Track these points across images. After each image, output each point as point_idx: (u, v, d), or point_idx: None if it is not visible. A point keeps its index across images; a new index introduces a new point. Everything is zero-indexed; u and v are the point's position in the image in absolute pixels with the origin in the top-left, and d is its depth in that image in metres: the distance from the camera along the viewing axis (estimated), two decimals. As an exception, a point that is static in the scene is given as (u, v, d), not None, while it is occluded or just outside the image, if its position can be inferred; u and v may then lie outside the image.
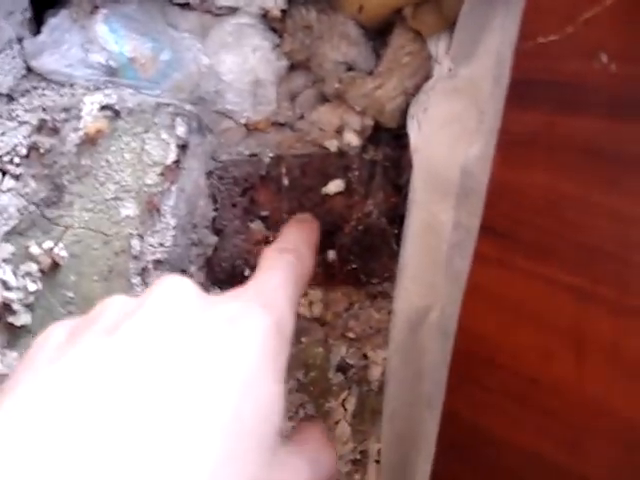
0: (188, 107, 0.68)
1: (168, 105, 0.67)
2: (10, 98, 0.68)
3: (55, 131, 0.64)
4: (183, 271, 0.72)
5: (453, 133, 0.73)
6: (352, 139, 0.75)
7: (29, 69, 0.69)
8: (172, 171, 0.68)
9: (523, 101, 0.60)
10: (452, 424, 0.75)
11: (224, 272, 0.74)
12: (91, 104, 0.64)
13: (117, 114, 0.65)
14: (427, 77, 0.71)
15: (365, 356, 0.79)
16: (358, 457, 0.82)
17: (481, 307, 0.71)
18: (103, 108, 0.64)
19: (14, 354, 0.68)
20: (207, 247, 0.73)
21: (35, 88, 0.69)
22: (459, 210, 0.74)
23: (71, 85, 0.70)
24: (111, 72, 0.71)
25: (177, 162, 0.68)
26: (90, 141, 0.64)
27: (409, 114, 0.75)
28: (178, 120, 0.67)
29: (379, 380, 0.80)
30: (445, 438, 0.75)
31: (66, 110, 0.64)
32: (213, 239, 0.73)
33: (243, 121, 0.75)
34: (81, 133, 0.64)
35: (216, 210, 0.73)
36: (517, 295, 0.68)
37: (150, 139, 0.67)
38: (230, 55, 0.75)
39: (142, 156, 0.67)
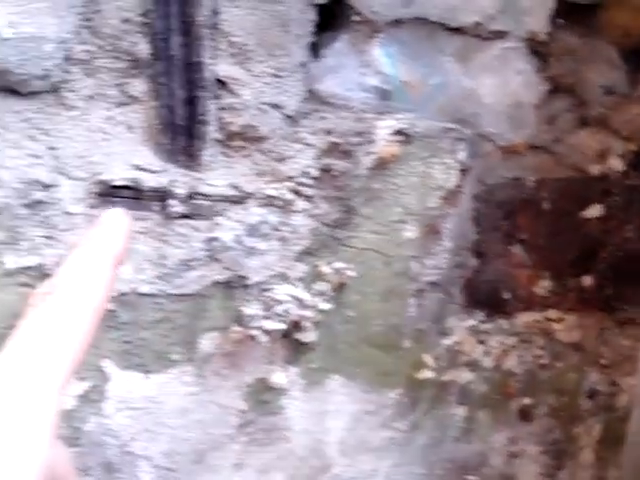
0: (467, 132, 0.68)
1: (452, 130, 0.67)
2: (293, 120, 0.70)
3: (347, 154, 0.65)
4: (448, 293, 0.72)
5: None
6: (615, 164, 0.74)
7: (310, 92, 0.70)
8: (453, 195, 0.68)
9: None
10: None
11: (483, 294, 0.74)
12: (384, 128, 0.65)
13: (408, 138, 0.65)
14: None
15: (614, 383, 0.78)
16: (598, 484, 0.81)
17: None
18: (395, 133, 0.65)
19: (295, 369, 0.69)
20: (468, 270, 0.73)
21: (316, 111, 0.71)
22: None
23: (348, 108, 0.71)
24: (384, 95, 0.72)
25: (458, 186, 0.68)
26: (382, 165, 0.65)
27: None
28: (460, 145, 0.68)
29: (626, 407, 0.79)
30: None
31: (359, 134, 0.65)
32: (474, 261, 0.73)
33: (502, 143, 0.75)
34: (374, 157, 0.65)
35: (478, 233, 0.73)
36: None
37: (435, 163, 0.67)
38: (492, 78, 0.76)
39: (427, 180, 0.67)
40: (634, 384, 0.79)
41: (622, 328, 0.79)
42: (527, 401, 0.77)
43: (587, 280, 0.77)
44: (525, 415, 0.77)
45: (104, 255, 0.56)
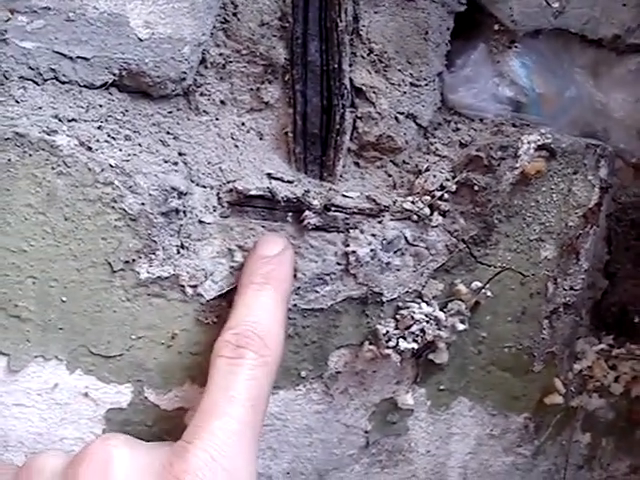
0: (610, 148, 0.65)
1: (596, 146, 0.65)
2: (426, 131, 0.67)
3: (489, 169, 0.62)
4: (579, 315, 0.69)
5: None
6: None
7: (442, 102, 0.68)
8: (593, 214, 0.65)
9: None
10: None
11: (612, 317, 0.72)
12: (528, 143, 0.62)
13: (552, 154, 0.63)
14: None
15: None
16: None
17: None
18: (539, 148, 0.62)
19: (422, 390, 0.66)
20: (598, 291, 0.70)
21: (447, 122, 0.68)
22: None
23: (481, 120, 0.68)
24: (518, 107, 0.70)
25: (599, 204, 0.65)
26: (524, 181, 0.62)
27: None
28: (602, 162, 0.65)
29: None
30: None
31: (503, 148, 0.62)
32: (604, 283, 0.70)
33: (633, 161, 0.72)
34: (517, 172, 0.62)
35: (609, 253, 0.70)
36: None
37: (577, 180, 0.65)
38: (624, 93, 0.73)
39: (568, 197, 0.64)
40: None
41: None
42: (653, 428, 0.74)
43: None
44: (650, 443, 0.74)
45: (282, 298, 0.57)
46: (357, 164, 0.65)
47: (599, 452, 0.73)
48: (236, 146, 0.64)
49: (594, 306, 0.71)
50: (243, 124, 0.64)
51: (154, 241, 0.59)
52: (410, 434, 0.67)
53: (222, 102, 0.64)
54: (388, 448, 0.67)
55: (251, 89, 0.64)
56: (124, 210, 0.58)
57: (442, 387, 0.67)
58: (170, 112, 0.63)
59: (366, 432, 0.66)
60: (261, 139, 0.65)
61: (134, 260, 0.58)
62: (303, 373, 0.64)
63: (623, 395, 0.72)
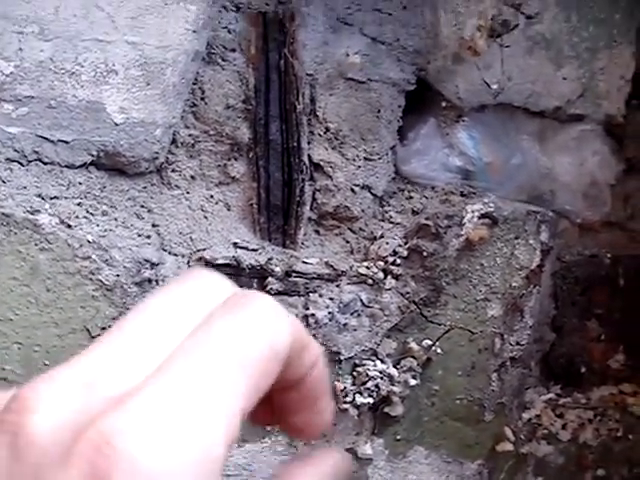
0: (550, 213, 0.71)
1: (536, 212, 0.70)
2: (381, 200, 0.73)
3: (437, 236, 0.68)
4: (527, 367, 0.74)
5: None
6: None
7: (396, 173, 0.74)
8: (536, 274, 0.71)
9: None
10: None
11: (560, 368, 0.77)
12: (472, 212, 0.68)
13: (495, 222, 0.68)
14: None
15: (685, 455, 0.80)
16: None
17: None
18: (483, 216, 0.68)
19: (380, 440, 0.71)
20: (546, 344, 0.76)
21: (401, 190, 0.74)
22: None
23: (432, 188, 0.74)
24: (467, 175, 0.76)
25: (540, 266, 0.71)
26: (469, 247, 0.68)
27: None
28: (543, 226, 0.70)
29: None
30: None
31: (448, 217, 0.68)
32: (552, 336, 0.76)
33: (578, 221, 0.78)
34: (462, 239, 0.68)
35: (556, 308, 0.76)
36: None
37: (519, 245, 0.70)
38: (568, 158, 0.79)
39: (511, 260, 0.70)
40: None
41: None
42: (601, 472, 0.79)
43: (666, 355, 0.79)
44: (599, 486, 0.79)
45: None
46: (317, 232, 0.71)
47: (551, 496, 0.78)
48: (205, 217, 0.70)
49: (543, 358, 0.76)
50: (212, 197, 0.71)
51: (128, 308, 0.65)
52: (370, 482, 0.73)
53: (192, 177, 0.70)
54: (350, 495, 0.72)
55: (219, 165, 0.70)
56: (101, 281, 0.64)
57: (399, 437, 0.72)
58: (144, 187, 0.69)
59: (329, 480, 0.71)
60: (229, 210, 0.71)
61: (110, 326, 0.64)
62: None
63: (571, 441, 0.77)
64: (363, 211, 0.71)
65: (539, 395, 0.75)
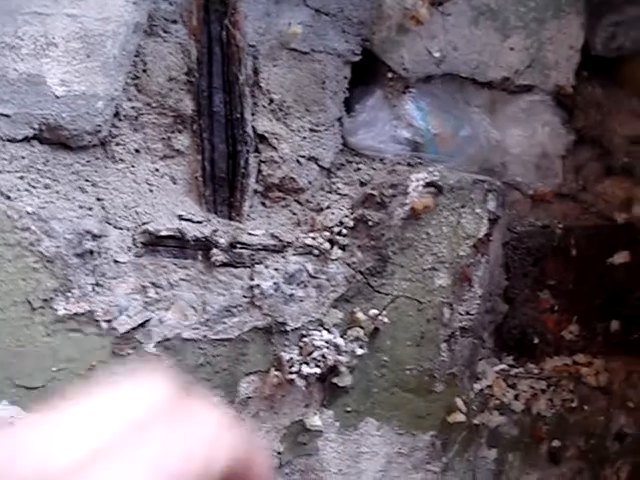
0: (497, 183, 0.71)
1: (482, 181, 0.70)
2: (329, 172, 0.73)
3: (382, 206, 0.68)
4: (479, 338, 0.74)
5: None
6: (641, 212, 0.77)
7: (344, 144, 0.74)
8: (483, 244, 0.70)
9: None
10: None
11: (513, 339, 0.76)
12: (416, 181, 0.68)
13: (440, 190, 0.68)
14: None
15: (642, 426, 0.80)
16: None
17: None
18: (427, 185, 0.68)
19: (331, 412, 0.71)
20: (498, 315, 0.75)
21: (349, 162, 0.74)
22: None
23: (381, 160, 0.74)
24: (415, 147, 0.75)
25: (488, 235, 0.71)
26: (415, 216, 0.68)
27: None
28: (490, 195, 0.70)
29: (653, 450, 0.80)
30: None
31: (393, 186, 0.68)
32: (504, 307, 0.76)
33: (530, 192, 0.78)
34: (407, 208, 0.68)
35: (508, 279, 0.76)
36: None
37: (466, 213, 0.70)
38: (519, 129, 0.79)
39: (457, 229, 0.70)
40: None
41: (650, 372, 0.80)
42: (556, 444, 0.79)
43: (614, 325, 0.79)
44: (554, 457, 0.79)
45: None
46: (264, 204, 0.71)
47: (506, 467, 0.78)
48: (151, 190, 0.70)
49: (495, 329, 0.76)
50: (157, 170, 0.70)
51: (70, 280, 0.64)
52: (321, 454, 0.72)
53: (137, 151, 0.70)
54: (301, 468, 0.72)
55: (163, 138, 0.70)
56: (41, 253, 0.63)
57: (349, 409, 0.72)
58: (88, 161, 0.68)
59: (279, 453, 0.71)
60: (174, 183, 0.71)
61: (52, 298, 0.64)
62: (215, 400, 0.68)
63: (525, 412, 0.77)
64: (310, 183, 0.71)
65: (491, 366, 0.75)
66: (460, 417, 0.74)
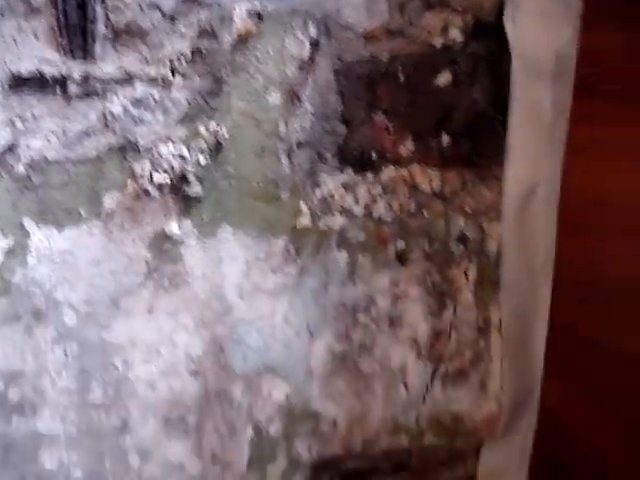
0: (315, 13, 0.82)
1: (301, 11, 0.81)
2: (172, 18, 0.84)
3: (214, 35, 0.79)
4: (318, 153, 0.85)
5: (545, 22, 0.85)
6: (456, 35, 0.88)
7: (186, -4, 0.85)
8: (308, 65, 0.81)
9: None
10: (565, 273, 0.85)
11: (353, 158, 0.87)
12: (240, 10, 0.79)
13: (260, 17, 0.79)
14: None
15: (482, 229, 0.90)
16: (482, 325, 0.92)
17: (581, 163, 0.81)
18: (250, 13, 0.79)
19: (188, 222, 0.82)
20: (339, 136, 0.86)
21: (190, 10, 0.85)
22: (555, 89, 0.85)
23: (218, 5, 0.85)
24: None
25: (312, 57, 0.81)
26: (242, 41, 0.79)
27: (505, 8, 0.87)
28: (310, 23, 0.81)
29: (496, 253, 0.90)
30: (559, 289, 0.84)
31: (221, 18, 0.79)
32: (343, 128, 0.86)
33: (361, 31, 0.89)
34: (235, 35, 0.79)
35: (344, 104, 0.86)
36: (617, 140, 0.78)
37: (289, 38, 0.81)
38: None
39: (283, 52, 0.81)
40: (500, 232, 0.90)
41: (483, 181, 0.91)
42: (402, 245, 0.89)
43: (445, 139, 0.89)
44: (402, 258, 0.89)
45: None
46: (115, 48, 0.82)
47: (357, 268, 0.88)
48: (16, 45, 0.81)
49: (338, 150, 0.86)
50: (20, 27, 0.82)
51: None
52: (185, 260, 0.83)
53: (1, 14, 0.81)
54: (168, 274, 0.83)
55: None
56: None
57: (204, 217, 0.83)
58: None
59: (147, 261, 0.82)
60: (37, 40, 0.82)
61: None
62: (83, 213, 0.80)
63: (367, 217, 0.88)
64: (154, 26, 0.82)
65: (332, 176, 0.85)
66: (306, 221, 0.84)
